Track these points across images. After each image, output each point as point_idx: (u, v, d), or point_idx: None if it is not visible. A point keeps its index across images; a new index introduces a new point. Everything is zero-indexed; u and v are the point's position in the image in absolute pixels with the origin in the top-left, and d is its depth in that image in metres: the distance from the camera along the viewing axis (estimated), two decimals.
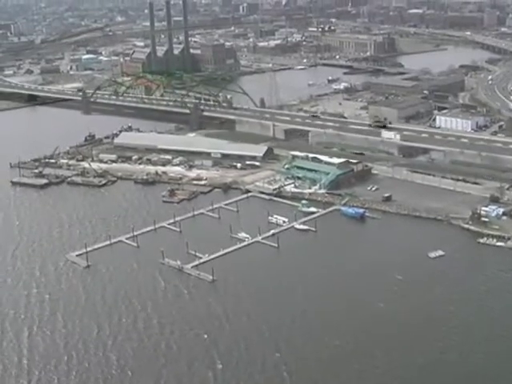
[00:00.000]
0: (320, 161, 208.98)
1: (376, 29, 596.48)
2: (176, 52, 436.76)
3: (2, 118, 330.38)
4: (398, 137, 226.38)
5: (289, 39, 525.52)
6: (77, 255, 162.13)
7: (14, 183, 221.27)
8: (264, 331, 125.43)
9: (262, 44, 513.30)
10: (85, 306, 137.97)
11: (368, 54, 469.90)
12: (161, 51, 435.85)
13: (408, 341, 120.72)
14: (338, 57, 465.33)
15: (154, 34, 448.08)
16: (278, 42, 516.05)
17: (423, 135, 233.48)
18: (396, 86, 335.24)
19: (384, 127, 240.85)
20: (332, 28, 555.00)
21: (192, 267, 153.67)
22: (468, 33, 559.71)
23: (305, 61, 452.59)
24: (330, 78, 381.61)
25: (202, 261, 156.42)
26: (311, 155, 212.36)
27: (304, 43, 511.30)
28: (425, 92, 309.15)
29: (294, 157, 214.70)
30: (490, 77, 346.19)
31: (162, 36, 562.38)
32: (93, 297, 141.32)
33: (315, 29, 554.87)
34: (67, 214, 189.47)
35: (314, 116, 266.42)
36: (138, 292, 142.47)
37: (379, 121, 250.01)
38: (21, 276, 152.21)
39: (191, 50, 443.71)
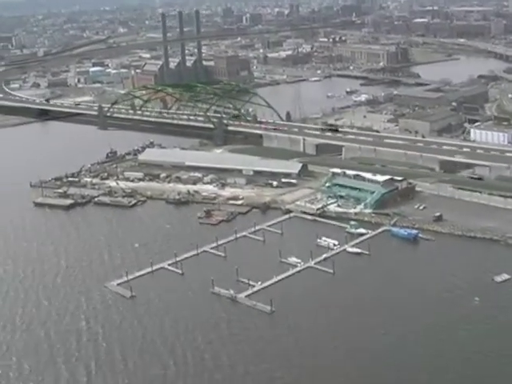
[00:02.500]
0: (363, 178, 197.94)
1: (384, 39, 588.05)
2: (188, 64, 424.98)
3: (14, 133, 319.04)
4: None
5: (299, 50, 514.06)
6: (118, 284, 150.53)
7: (37, 204, 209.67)
8: (341, 369, 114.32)
9: (271, 55, 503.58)
10: (143, 342, 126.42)
11: (381, 64, 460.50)
12: (172, 63, 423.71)
13: None
14: (351, 67, 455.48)
15: (166, 46, 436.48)
16: (289, 52, 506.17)
17: (464, 149, 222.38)
18: (420, 98, 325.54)
19: (336, 131, 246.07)
20: (343, 38, 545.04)
21: (246, 297, 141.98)
22: (478, 42, 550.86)
23: (319, 72, 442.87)
24: (348, 89, 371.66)
25: (255, 289, 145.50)
26: (352, 172, 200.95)
27: (315, 54, 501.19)
28: (453, 104, 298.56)
29: (334, 174, 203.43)
30: None
31: (168, 47, 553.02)
32: (150, 332, 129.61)
33: (325, 39, 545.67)
34: (100, 238, 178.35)
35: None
36: (195, 325, 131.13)
37: (331, 124, 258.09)
38: (66, 308, 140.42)
39: (203, 62, 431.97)
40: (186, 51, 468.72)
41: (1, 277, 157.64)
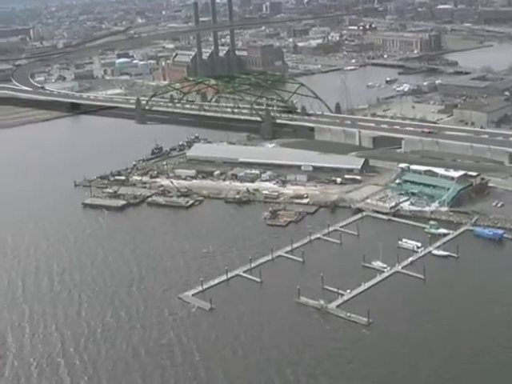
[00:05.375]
0: (435, 174, 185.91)
1: (411, 26, 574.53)
2: (221, 54, 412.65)
3: (47, 128, 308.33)
4: None
5: (329, 38, 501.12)
6: (193, 295, 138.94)
7: (86, 205, 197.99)
8: None
9: (301, 44, 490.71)
10: (243, 361, 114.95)
11: (415, 52, 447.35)
12: (204, 54, 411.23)
13: None
14: (386, 56, 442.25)
15: (199, 35, 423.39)
16: (319, 41, 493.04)
17: None
18: (467, 87, 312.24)
19: (290, 112, 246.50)
20: (373, 26, 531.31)
21: (337, 307, 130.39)
22: (508, 28, 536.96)
23: (353, 61, 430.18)
24: (388, 78, 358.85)
25: (345, 298, 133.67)
26: (423, 168, 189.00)
27: (346, 42, 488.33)
28: (506, 93, 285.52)
29: (403, 170, 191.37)
30: None
31: (191, 37, 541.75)
32: (247, 350, 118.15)
33: (354, 27, 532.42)
34: (163, 243, 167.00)
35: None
36: (287, 343, 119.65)
37: (287, 106, 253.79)
38: (152, 325, 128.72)
39: (237, 52, 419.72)
40: (206, 42, 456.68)
41: (73, 285, 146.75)
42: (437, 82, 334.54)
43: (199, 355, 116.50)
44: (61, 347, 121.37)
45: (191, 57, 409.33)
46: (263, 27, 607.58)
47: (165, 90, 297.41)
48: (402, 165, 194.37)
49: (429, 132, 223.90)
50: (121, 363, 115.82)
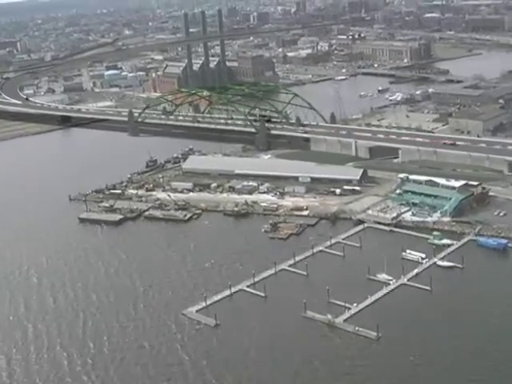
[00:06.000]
0: (436, 184, 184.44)
1: (399, 35, 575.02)
2: (211, 65, 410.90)
3: (38, 142, 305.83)
4: None
5: (318, 48, 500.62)
6: (197, 311, 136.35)
7: (82, 220, 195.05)
8: None
9: (291, 54, 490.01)
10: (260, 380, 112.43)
11: (405, 61, 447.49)
12: (195, 65, 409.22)
13: None
14: (376, 65, 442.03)
15: (190, 46, 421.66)
16: (308, 51, 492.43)
17: None
18: (460, 95, 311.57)
19: (269, 121, 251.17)
20: (362, 35, 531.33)
21: (344, 321, 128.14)
22: (497, 36, 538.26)
23: (344, 70, 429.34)
24: (379, 87, 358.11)
25: (352, 312, 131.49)
26: (424, 178, 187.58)
27: (335, 52, 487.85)
28: (500, 101, 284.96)
29: (403, 180, 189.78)
30: None
31: (180, 49, 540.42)
32: (260, 367, 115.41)
33: (343, 36, 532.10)
34: (163, 258, 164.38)
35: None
36: (305, 359, 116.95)
37: (264, 115, 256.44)
38: (157, 339, 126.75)
39: (227, 63, 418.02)
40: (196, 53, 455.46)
41: (76, 303, 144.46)
42: (430, 90, 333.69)
43: (212, 374, 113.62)
44: (67, 366, 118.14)
45: (182, 68, 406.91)
46: (251, 38, 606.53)
47: (157, 102, 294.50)
48: (402, 175, 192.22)
49: (451, 144, 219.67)
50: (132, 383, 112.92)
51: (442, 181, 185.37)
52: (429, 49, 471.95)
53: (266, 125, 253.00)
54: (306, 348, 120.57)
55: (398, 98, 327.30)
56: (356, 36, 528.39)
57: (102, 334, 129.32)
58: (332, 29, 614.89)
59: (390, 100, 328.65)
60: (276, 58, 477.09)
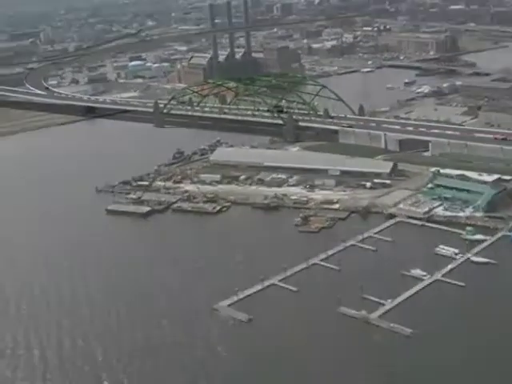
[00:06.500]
0: (468, 178, 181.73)
1: (424, 27, 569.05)
2: (236, 56, 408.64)
3: (62, 133, 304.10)
4: None
5: (343, 40, 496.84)
6: (229, 305, 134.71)
7: (109, 212, 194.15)
8: None
9: (316, 45, 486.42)
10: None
11: (431, 53, 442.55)
12: (220, 56, 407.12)
13: None
14: (402, 57, 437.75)
15: (215, 37, 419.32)
16: (334, 42, 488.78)
17: None
18: (489, 89, 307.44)
19: (281, 112, 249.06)
20: (387, 27, 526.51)
21: (379, 317, 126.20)
22: None
23: (369, 62, 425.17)
24: (406, 80, 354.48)
25: (387, 308, 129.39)
26: (456, 172, 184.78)
27: (360, 43, 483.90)
28: None
29: (434, 174, 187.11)
30: None
31: (203, 40, 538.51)
32: (299, 364, 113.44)
33: (368, 28, 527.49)
34: (194, 251, 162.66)
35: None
36: (346, 358, 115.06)
37: (277, 105, 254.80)
38: (192, 334, 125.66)
39: (252, 54, 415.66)
40: (220, 44, 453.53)
41: (111, 294, 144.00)
42: (457, 83, 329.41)
43: (252, 369, 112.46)
44: (102, 360, 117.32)
45: (207, 59, 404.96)
46: (275, 29, 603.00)
47: (183, 93, 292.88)
48: (433, 169, 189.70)
49: (503, 139, 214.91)
50: (170, 379, 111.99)
51: (473, 175, 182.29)
52: (454, 41, 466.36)
53: (294, 117, 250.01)
54: (343, 345, 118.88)
55: (426, 91, 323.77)
56: (381, 28, 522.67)
57: (139, 327, 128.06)
58: (356, 20, 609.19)
59: (417, 93, 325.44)
60: (301, 49, 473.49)
